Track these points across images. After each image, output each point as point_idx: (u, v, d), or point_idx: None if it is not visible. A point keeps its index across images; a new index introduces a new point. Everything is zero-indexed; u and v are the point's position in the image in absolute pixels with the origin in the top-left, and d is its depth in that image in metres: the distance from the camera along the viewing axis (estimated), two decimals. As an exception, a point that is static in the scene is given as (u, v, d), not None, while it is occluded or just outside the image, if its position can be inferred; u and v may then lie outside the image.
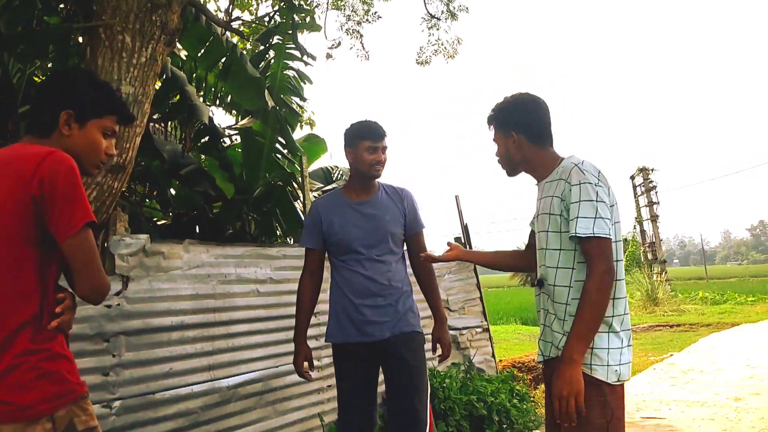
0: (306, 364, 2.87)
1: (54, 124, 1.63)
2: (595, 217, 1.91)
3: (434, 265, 3.00)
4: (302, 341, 2.86)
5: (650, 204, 21.04)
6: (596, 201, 1.93)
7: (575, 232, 1.92)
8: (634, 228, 22.23)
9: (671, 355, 8.29)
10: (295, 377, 3.72)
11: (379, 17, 7.70)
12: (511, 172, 2.26)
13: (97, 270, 1.56)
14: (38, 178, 1.48)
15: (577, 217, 1.92)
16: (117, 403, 2.74)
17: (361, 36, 7.24)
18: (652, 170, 21.35)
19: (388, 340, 2.71)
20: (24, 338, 1.46)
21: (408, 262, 2.96)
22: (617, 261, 1.97)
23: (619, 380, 1.94)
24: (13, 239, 1.48)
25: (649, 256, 20.70)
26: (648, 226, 21.26)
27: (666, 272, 20.45)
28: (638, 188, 21.66)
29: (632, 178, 21.96)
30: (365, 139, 2.78)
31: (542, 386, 6.26)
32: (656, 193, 21.08)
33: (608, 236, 1.92)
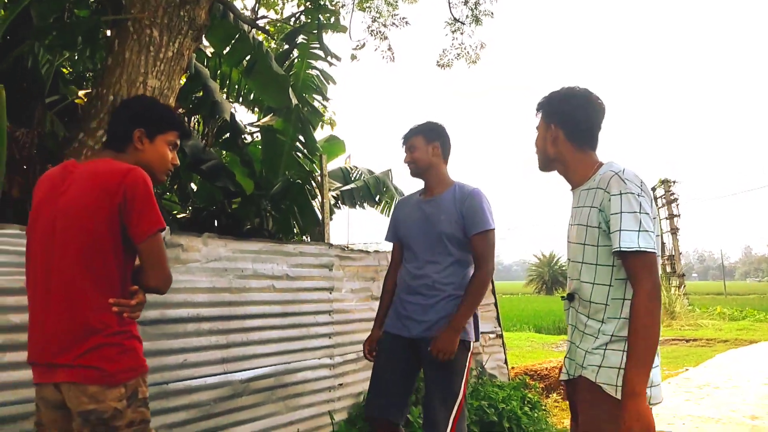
0: (368, 347, 3.02)
1: (129, 140, 1.96)
2: (639, 230, 1.76)
3: None
4: (376, 326, 3.03)
5: (671, 216, 20.76)
6: (639, 212, 1.78)
7: (618, 246, 1.77)
8: (654, 240, 21.93)
9: (686, 369, 8.17)
10: (307, 374, 3.76)
11: (407, 23, 7.69)
12: (543, 165, 2.12)
13: (166, 266, 1.87)
14: (122, 190, 1.78)
15: (620, 230, 1.77)
16: (131, 392, 2.77)
17: (386, 38, 7.24)
18: (674, 182, 21.09)
19: (425, 340, 2.70)
20: (114, 321, 1.78)
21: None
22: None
23: (649, 404, 1.80)
24: (105, 242, 1.79)
25: (668, 269, 20.43)
26: (668, 239, 20.98)
27: (684, 286, 20.17)
28: (659, 200, 21.40)
29: (653, 189, 21.71)
30: (402, 144, 3.01)
31: (554, 395, 6.22)
32: (677, 205, 20.82)
33: (654, 251, 1.78)
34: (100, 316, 1.77)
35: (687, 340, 12.08)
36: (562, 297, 2.10)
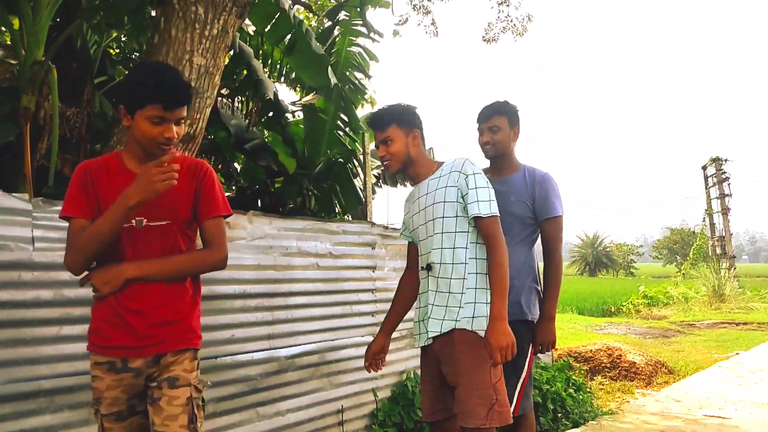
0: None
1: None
2: (490, 200, 2.34)
3: None
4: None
5: (722, 196, 20.06)
6: (488, 187, 2.35)
7: (478, 213, 2.29)
8: (704, 221, 21.30)
9: (737, 353, 7.92)
10: (351, 351, 3.77)
11: (451, -5, 7.48)
12: (402, 169, 2.48)
13: (66, 250, 1.90)
14: None
15: (478, 201, 2.30)
16: (181, 366, 2.83)
17: (429, 12, 7.07)
18: (726, 161, 20.30)
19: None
20: None
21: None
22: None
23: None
24: None
25: (718, 250, 19.80)
26: (718, 219, 20.29)
27: (735, 268, 19.52)
28: (710, 179, 20.67)
29: (704, 168, 20.97)
30: (483, 121, 2.93)
31: (599, 378, 6.12)
32: (729, 185, 20.06)
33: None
34: None
35: (737, 324, 11.71)
36: (421, 268, 2.46)
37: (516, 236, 2.74)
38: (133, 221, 1.87)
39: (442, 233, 2.35)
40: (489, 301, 2.28)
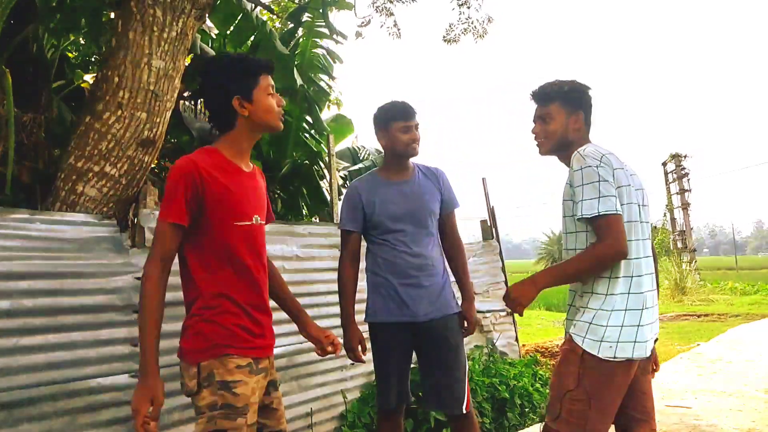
0: (360, 346, 2.86)
1: (232, 115, 1.92)
2: (599, 197, 1.98)
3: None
4: (352, 323, 2.87)
5: (681, 191, 20.58)
6: (599, 182, 2.00)
7: (581, 214, 2.01)
8: (664, 216, 21.83)
9: (698, 344, 8.15)
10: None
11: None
12: (552, 151, 2.28)
13: (151, 252, 1.87)
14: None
15: (582, 200, 2.02)
16: (145, 374, 2.79)
17: (392, 14, 7.10)
18: (685, 157, 20.84)
19: (430, 321, 2.73)
20: (192, 305, 1.94)
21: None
22: (631, 240, 2.05)
23: (615, 356, 1.98)
24: None
25: (679, 244, 20.32)
26: (678, 214, 20.83)
27: (695, 261, 20.07)
28: (670, 175, 21.21)
29: (664, 164, 21.50)
30: (398, 119, 2.77)
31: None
32: (688, 180, 20.61)
33: (614, 212, 1.97)
34: (187, 299, 1.95)
35: (698, 316, 12.04)
36: None
37: (432, 232, 2.83)
38: (254, 219, 1.96)
39: (565, 233, 2.21)
40: (598, 307, 2.04)
